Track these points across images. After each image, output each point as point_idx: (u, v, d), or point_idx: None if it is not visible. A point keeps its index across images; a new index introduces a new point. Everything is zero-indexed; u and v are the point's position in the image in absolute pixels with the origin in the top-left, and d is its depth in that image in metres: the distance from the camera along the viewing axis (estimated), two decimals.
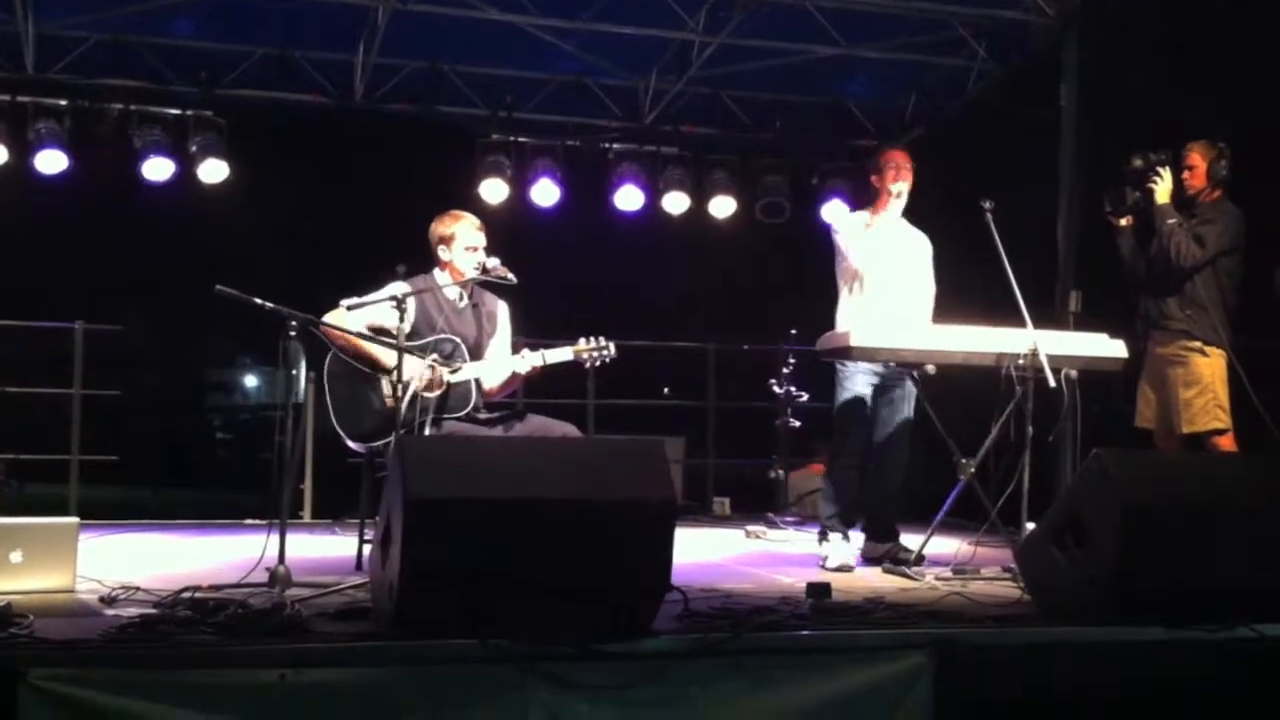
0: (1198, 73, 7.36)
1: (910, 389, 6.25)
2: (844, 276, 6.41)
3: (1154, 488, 4.56)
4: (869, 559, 6.31)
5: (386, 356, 5.64)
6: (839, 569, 6.04)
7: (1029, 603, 4.84)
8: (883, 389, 6.33)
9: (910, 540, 6.22)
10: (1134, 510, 4.41)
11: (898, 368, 6.15)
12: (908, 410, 6.33)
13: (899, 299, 6.32)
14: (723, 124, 10.03)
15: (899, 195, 6.35)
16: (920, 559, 5.87)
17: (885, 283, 6.32)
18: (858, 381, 6.31)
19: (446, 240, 6.01)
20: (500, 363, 5.92)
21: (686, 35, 8.80)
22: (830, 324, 6.37)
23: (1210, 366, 6.24)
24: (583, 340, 5.90)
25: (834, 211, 9.68)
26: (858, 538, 6.40)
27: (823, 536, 6.33)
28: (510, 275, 5.88)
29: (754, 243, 10.57)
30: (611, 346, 5.91)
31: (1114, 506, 4.42)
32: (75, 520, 5.04)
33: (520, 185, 9.67)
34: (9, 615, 3.93)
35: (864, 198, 6.52)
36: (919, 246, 6.50)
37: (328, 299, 5.79)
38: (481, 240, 6.02)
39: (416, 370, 5.58)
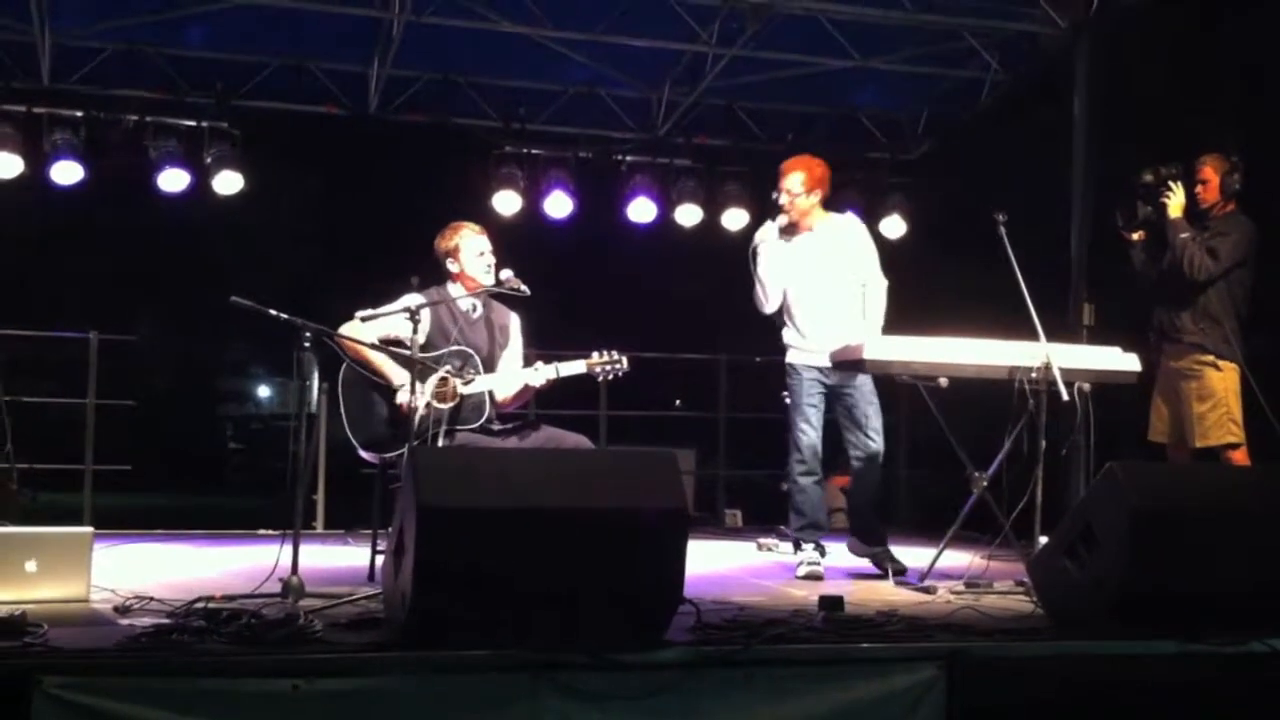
0: (1209, 84, 7.36)
1: (865, 389, 6.25)
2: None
3: (1164, 496, 4.58)
4: (855, 554, 6.45)
5: (395, 374, 5.67)
6: (808, 577, 6.12)
7: (1041, 616, 4.84)
8: (835, 394, 6.32)
9: (923, 554, 6.22)
10: (1143, 517, 4.42)
11: (840, 373, 6.18)
12: (868, 410, 6.27)
13: (820, 306, 6.38)
14: (736, 135, 10.04)
15: (786, 205, 6.49)
16: (903, 569, 6.00)
17: (801, 294, 6.46)
18: (804, 387, 6.32)
19: (453, 253, 6.02)
20: (513, 375, 5.92)
21: (700, 47, 8.82)
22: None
23: (1223, 380, 6.22)
24: (595, 354, 5.90)
25: None
26: (830, 546, 6.44)
27: (796, 546, 6.40)
28: (523, 287, 5.89)
29: None
30: (624, 360, 5.91)
31: (1124, 514, 4.44)
32: (89, 530, 5.05)
33: (533, 197, 9.66)
34: (24, 624, 3.95)
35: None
36: (835, 244, 6.46)
37: (342, 310, 5.81)
38: (487, 245, 6.03)
39: (427, 373, 5.64)
